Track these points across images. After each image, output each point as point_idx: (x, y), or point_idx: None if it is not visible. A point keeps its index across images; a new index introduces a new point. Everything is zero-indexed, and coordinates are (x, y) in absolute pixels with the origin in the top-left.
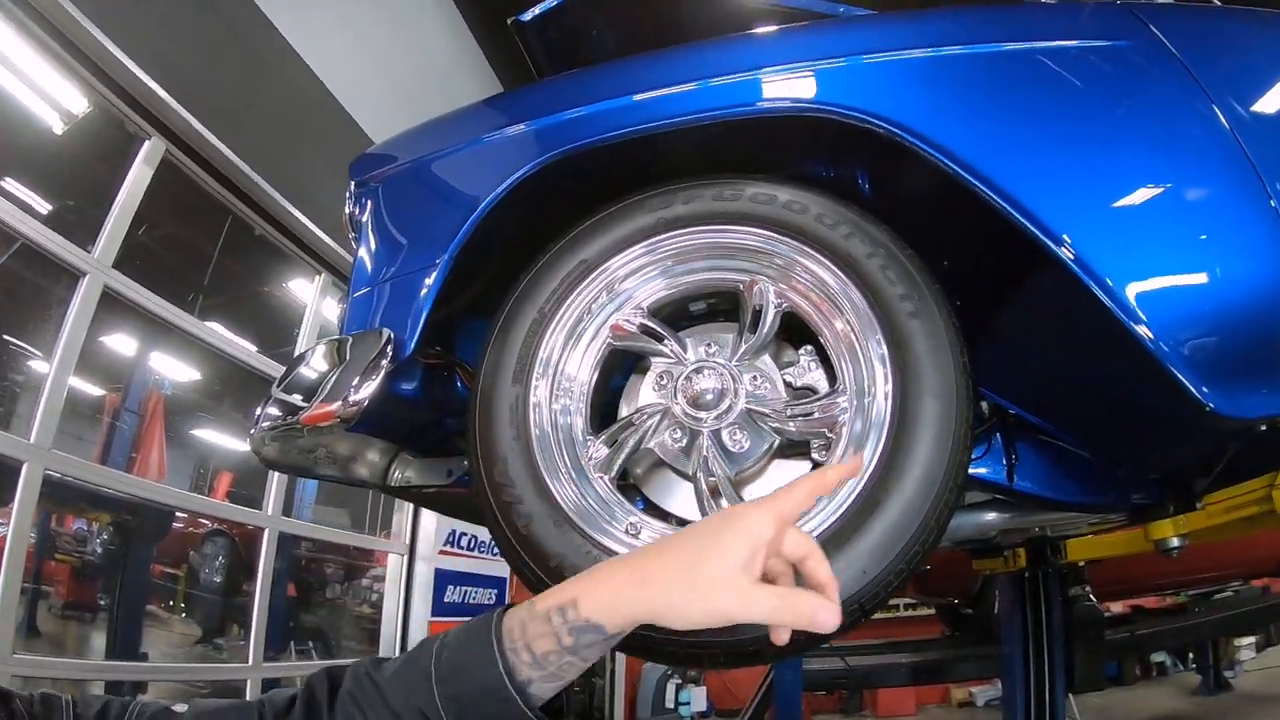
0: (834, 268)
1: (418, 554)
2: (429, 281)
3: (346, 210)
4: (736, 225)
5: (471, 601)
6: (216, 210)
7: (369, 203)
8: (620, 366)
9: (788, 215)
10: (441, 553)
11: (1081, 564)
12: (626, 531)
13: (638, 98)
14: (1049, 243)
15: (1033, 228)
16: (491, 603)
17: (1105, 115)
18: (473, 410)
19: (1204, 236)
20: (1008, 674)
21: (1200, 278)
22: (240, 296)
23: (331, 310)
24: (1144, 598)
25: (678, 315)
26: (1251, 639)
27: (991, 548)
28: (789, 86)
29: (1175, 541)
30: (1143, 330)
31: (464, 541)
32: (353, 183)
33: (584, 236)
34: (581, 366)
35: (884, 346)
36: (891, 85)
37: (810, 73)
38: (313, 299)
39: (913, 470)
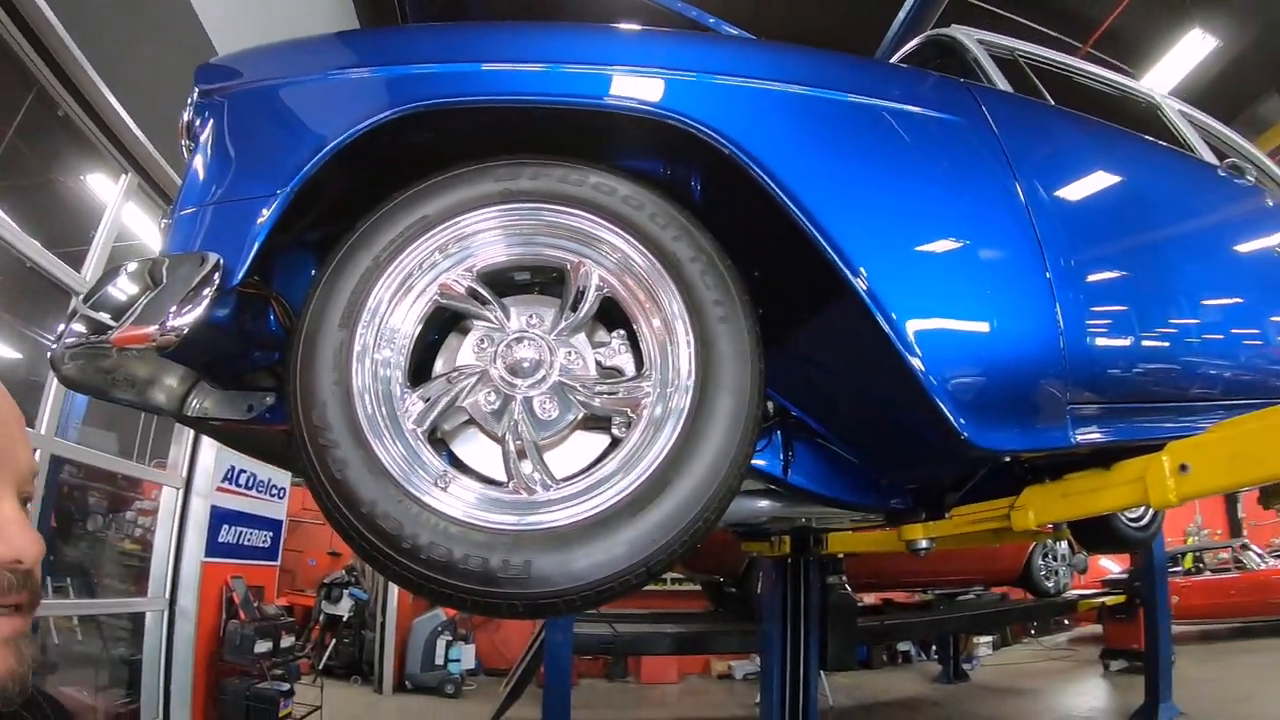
0: (658, 264)
1: (194, 489)
2: (266, 212)
3: (185, 118)
4: (576, 209)
5: (247, 543)
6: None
7: (212, 117)
8: (439, 323)
9: (625, 209)
10: (220, 490)
11: (840, 555)
12: (436, 484)
13: (486, 67)
14: (847, 273)
15: (835, 257)
16: (267, 546)
17: (923, 174)
18: (295, 349)
19: (984, 291)
20: (766, 650)
21: (973, 326)
22: (27, 185)
23: (134, 216)
24: (895, 592)
25: (501, 281)
26: (989, 638)
27: (760, 532)
28: (640, 88)
29: (924, 543)
30: (916, 362)
31: (243, 480)
32: (197, 90)
33: (428, 193)
34: (407, 319)
35: (692, 343)
36: (739, 108)
37: (664, 80)
38: (115, 201)
39: (703, 457)
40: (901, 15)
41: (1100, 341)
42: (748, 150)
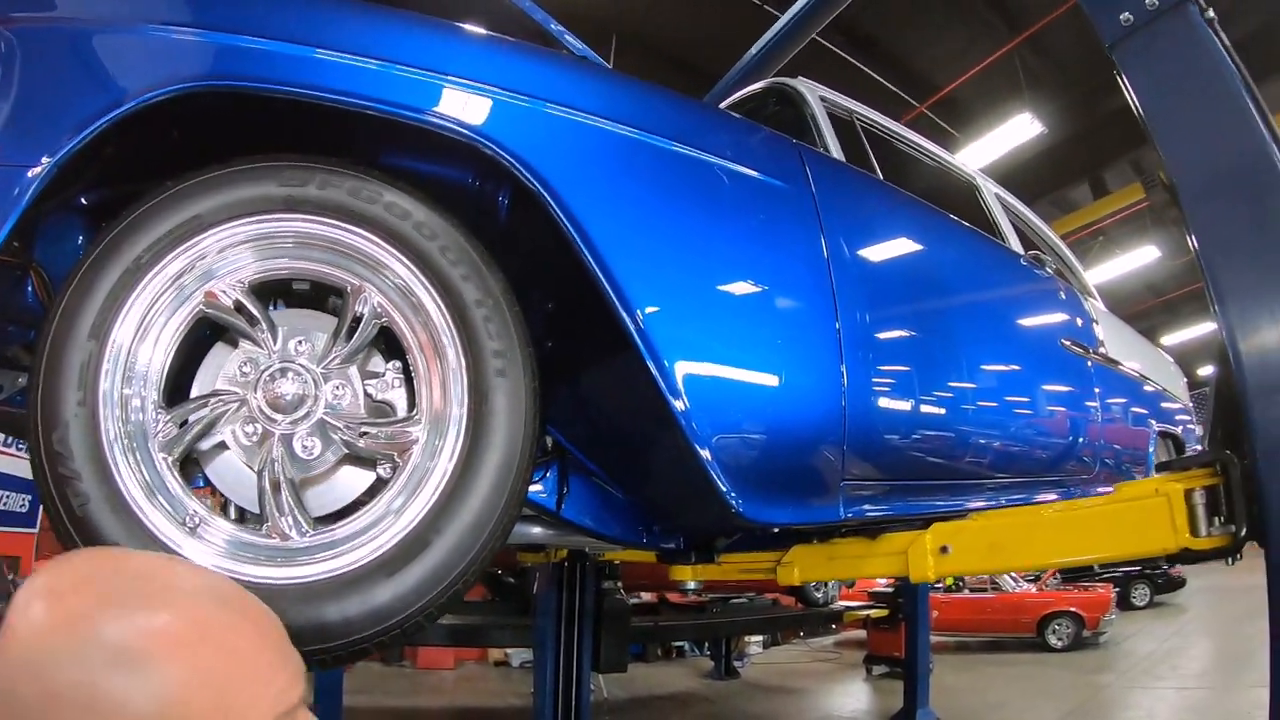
0: (441, 304)
1: None
2: (36, 172)
3: None
4: (363, 228)
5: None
6: None
7: None
8: (202, 329)
9: (415, 237)
10: None
11: (617, 561)
12: (185, 524)
13: (320, 54)
14: (625, 317)
15: (615, 299)
16: (24, 511)
17: (732, 232)
18: (39, 358)
19: (772, 355)
20: (540, 645)
21: (755, 385)
22: None
23: None
24: (671, 592)
25: (278, 288)
26: (760, 638)
27: (535, 546)
28: (467, 107)
29: (691, 585)
30: (690, 425)
31: None
32: None
33: (202, 190)
34: (166, 329)
35: (466, 393)
36: (558, 143)
37: (492, 100)
38: None
39: (468, 515)
40: (755, 50)
41: (883, 409)
42: (551, 188)
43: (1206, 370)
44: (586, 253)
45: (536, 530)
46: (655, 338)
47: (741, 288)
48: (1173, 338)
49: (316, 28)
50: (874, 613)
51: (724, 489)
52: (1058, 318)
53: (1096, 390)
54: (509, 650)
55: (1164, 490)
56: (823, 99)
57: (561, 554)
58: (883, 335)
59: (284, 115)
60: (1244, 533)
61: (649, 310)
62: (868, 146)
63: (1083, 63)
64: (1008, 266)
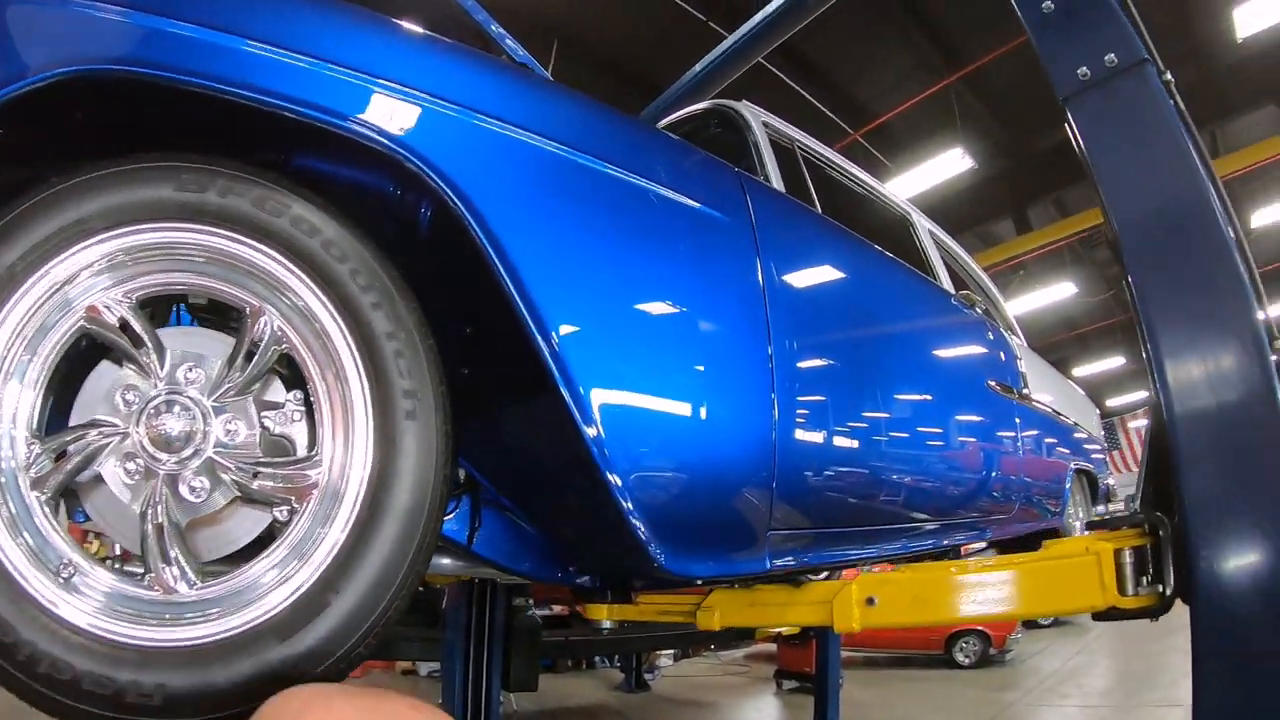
0: (348, 334)
1: None
2: None
3: None
4: (266, 244)
5: None
6: None
7: None
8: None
9: (322, 257)
10: None
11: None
12: (58, 574)
13: (249, 47)
14: (547, 356)
15: (534, 329)
16: None
17: (664, 259)
18: None
19: (702, 393)
20: (448, 659)
21: (682, 429)
22: None
23: None
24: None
25: (170, 300)
26: (671, 650)
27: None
28: (392, 115)
29: (607, 624)
30: (614, 479)
31: None
32: None
33: (88, 190)
34: (43, 348)
35: (372, 436)
36: (486, 160)
37: (421, 109)
38: None
39: (373, 569)
40: (698, 68)
41: (815, 450)
42: (472, 204)
43: (1115, 401)
44: (503, 272)
45: (447, 562)
46: (571, 364)
47: (672, 320)
48: (1085, 369)
49: (251, 14)
50: (785, 630)
51: (642, 535)
52: (985, 359)
53: (1019, 430)
54: (417, 659)
55: (1094, 549)
56: (765, 125)
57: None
58: (817, 375)
59: (187, 103)
60: (1170, 592)
61: (565, 332)
62: (808, 177)
63: (1016, 104)
64: (941, 307)
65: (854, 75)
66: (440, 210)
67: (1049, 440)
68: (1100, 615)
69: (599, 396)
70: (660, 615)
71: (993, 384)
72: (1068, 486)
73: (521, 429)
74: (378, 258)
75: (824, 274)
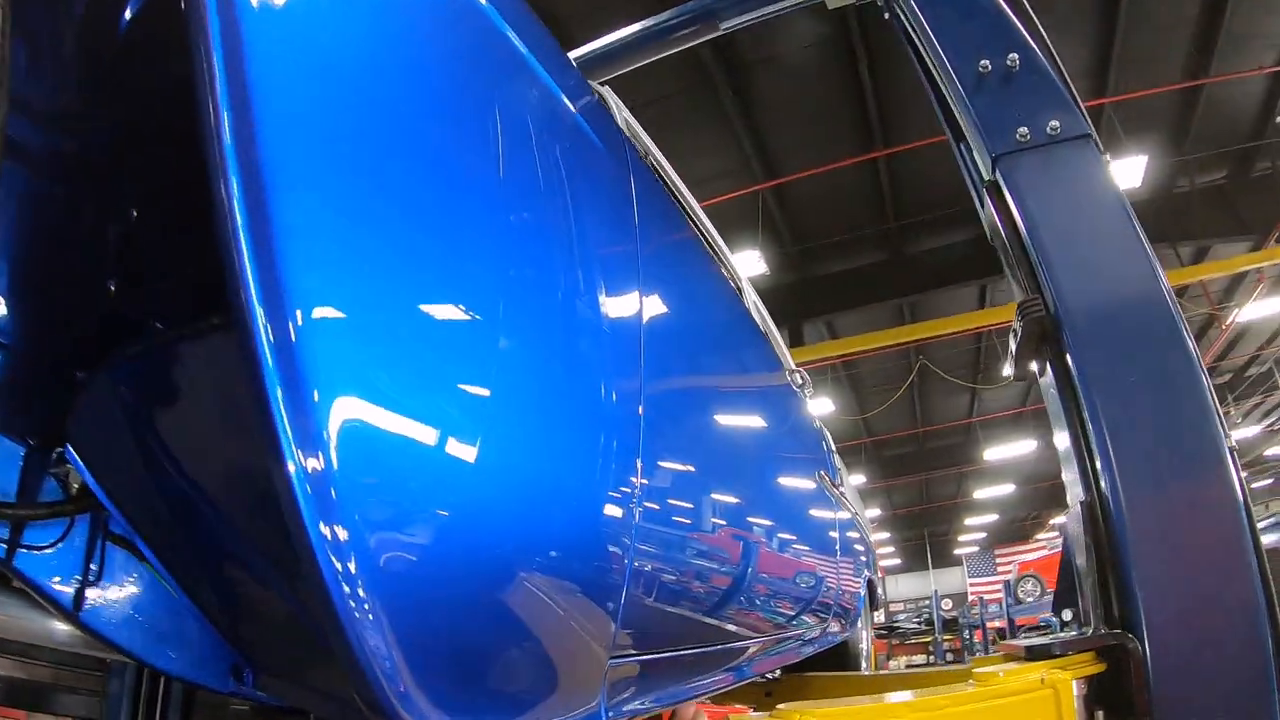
0: None
1: None
2: None
3: None
4: None
5: None
6: None
7: None
8: None
9: None
10: None
11: None
12: None
13: None
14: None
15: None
16: None
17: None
18: None
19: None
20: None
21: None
22: None
23: None
24: None
25: None
26: None
27: None
28: None
29: None
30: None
31: None
32: None
33: None
34: None
35: None
36: None
37: None
38: None
39: None
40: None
41: (676, 541)
42: None
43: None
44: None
45: (34, 624)
46: (299, 330)
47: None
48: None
49: None
50: None
51: (377, 664)
52: (816, 447)
53: (840, 530)
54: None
55: (1050, 680)
56: (628, 122)
57: None
58: (677, 431)
59: None
60: None
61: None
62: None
63: (813, 224)
64: (786, 385)
65: (673, 156)
66: None
67: (855, 543)
68: None
69: (333, 401)
70: None
71: (824, 476)
72: (863, 595)
73: (180, 422)
74: None
75: (693, 307)
